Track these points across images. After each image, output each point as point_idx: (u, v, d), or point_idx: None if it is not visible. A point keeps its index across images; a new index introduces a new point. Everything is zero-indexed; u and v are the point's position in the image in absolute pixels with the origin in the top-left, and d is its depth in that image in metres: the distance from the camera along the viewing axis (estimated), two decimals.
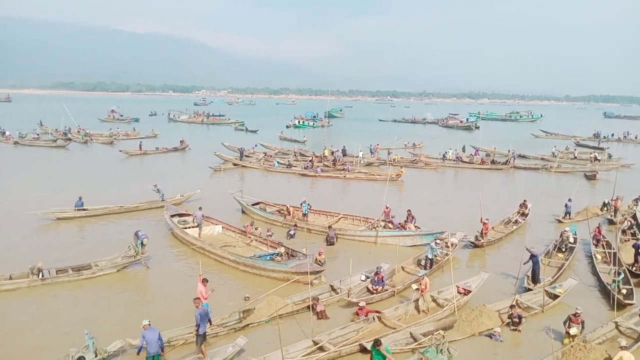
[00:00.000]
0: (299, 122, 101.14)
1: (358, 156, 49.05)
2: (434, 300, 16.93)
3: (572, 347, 13.30)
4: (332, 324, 15.15)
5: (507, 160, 50.30)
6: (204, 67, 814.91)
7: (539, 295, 17.13)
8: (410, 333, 14.36)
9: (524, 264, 18.68)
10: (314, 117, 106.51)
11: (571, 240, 22.59)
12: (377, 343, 11.85)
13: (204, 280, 14.92)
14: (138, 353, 12.12)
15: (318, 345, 13.48)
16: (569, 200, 28.92)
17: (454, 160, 51.34)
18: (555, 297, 17.16)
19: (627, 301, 16.83)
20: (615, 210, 28.27)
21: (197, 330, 12.73)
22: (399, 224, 24.78)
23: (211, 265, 20.05)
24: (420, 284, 16.53)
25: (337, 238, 23.47)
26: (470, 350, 13.89)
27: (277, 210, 28.06)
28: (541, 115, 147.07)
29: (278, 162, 46.59)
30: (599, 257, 21.55)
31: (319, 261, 19.45)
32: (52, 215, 26.28)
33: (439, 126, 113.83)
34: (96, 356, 12.38)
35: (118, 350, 12.98)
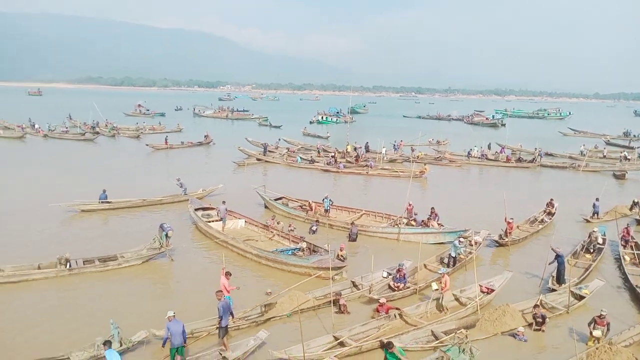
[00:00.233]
0: (322, 117, 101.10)
1: (381, 152, 48.83)
2: (457, 299, 16.79)
3: (597, 349, 13.04)
4: (353, 320, 15.15)
5: (533, 159, 49.44)
6: (229, 63, 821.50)
7: (564, 295, 16.83)
8: (432, 331, 14.26)
9: (549, 264, 18.36)
10: (337, 112, 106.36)
11: (600, 241, 22.08)
12: (389, 345, 11.69)
13: (227, 274, 15.05)
14: (163, 345, 12.25)
15: (339, 341, 13.50)
16: (597, 199, 28.31)
17: (479, 157, 50.70)
18: (580, 298, 16.84)
19: None
20: None
21: (220, 322, 12.88)
22: (422, 221, 24.61)
23: (234, 258, 20.24)
24: (441, 282, 16.40)
25: (357, 234, 23.43)
26: (493, 350, 13.73)
27: (299, 206, 28.16)
28: (569, 113, 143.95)
29: (301, 158, 46.71)
30: (627, 258, 21.01)
31: (341, 257, 19.47)
32: (77, 207, 26.79)
33: (464, 123, 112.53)
34: (121, 345, 12.62)
35: (142, 341, 13.22)
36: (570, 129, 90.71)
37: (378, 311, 15.65)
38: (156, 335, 13.34)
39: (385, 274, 18.32)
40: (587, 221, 27.44)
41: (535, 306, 15.38)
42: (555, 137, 79.91)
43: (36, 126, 65.52)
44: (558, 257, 18.21)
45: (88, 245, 21.25)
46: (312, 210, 26.76)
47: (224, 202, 25.05)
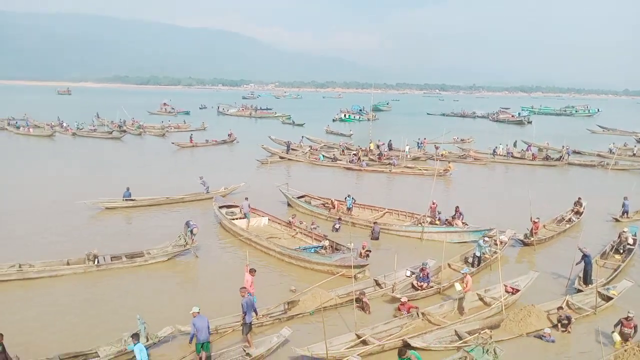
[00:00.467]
0: (345, 115, 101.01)
1: (404, 150, 48.54)
2: (481, 299, 16.64)
3: (625, 351, 12.80)
4: (375, 319, 15.15)
5: (560, 157, 48.53)
6: (253, 61, 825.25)
7: (591, 296, 16.53)
8: (455, 331, 14.18)
9: (576, 264, 18.03)
10: (360, 110, 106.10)
11: (630, 241, 21.53)
12: (402, 353, 11.17)
13: (252, 271, 15.18)
14: (190, 341, 12.34)
15: (361, 339, 13.53)
16: (625, 198, 27.66)
17: (505, 155, 49.98)
18: (608, 299, 16.52)
19: None
20: None
21: (244, 319, 13.01)
22: (446, 220, 24.41)
23: (257, 256, 20.38)
24: (463, 282, 16.25)
25: (379, 233, 23.34)
26: (517, 351, 13.58)
27: (322, 204, 28.22)
28: (598, 110, 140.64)
29: (323, 156, 46.75)
30: None
31: (366, 254, 19.47)
32: (101, 204, 27.30)
33: (490, 120, 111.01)
34: (147, 341, 12.85)
35: (168, 336, 13.45)
36: (599, 126, 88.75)
37: (399, 310, 15.63)
38: (182, 331, 13.54)
39: (408, 273, 18.24)
40: (617, 220, 26.84)
41: (559, 308, 15.14)
42: (583, 134, 78.31)
43: (64, 124, 67.12)
44: (585, 257, 17.87)
45: (112, 242, 21.64)
46: (334, 208, 26.80)
47: (246, 198, 25.33)
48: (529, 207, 23.44)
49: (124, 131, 65.73)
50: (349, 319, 15.04)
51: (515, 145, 55.38)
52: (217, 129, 72.08)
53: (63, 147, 53.40)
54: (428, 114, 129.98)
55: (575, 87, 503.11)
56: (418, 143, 54.78)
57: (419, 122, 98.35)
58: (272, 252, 20.67)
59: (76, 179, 35.50)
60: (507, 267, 19.53)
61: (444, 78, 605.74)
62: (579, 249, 18.18)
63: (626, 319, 13.90)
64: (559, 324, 14.67)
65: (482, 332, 13.15)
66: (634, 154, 52.92)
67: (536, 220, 22.97)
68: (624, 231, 22.00)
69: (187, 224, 20.61)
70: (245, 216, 24.63)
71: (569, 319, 14.65)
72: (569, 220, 26.24)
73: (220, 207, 25.89)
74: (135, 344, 11.39)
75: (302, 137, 58.67)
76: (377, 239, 22.94)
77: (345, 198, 27.05)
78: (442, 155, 48.77)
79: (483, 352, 12.29)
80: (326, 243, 20.61)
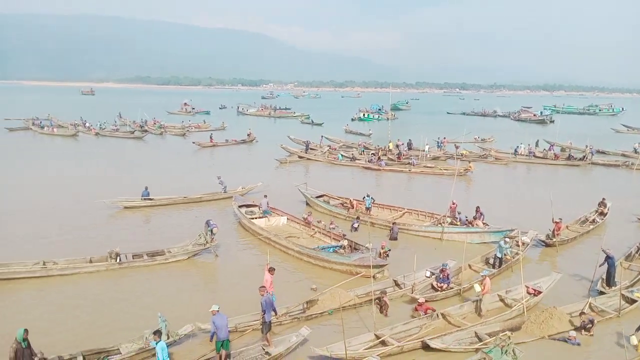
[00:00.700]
0: (364, 115, 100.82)
1: (424, 150, 48.22)
2: (502, 300, 16.45)
3: None
4: (394, 319, 15.10)
5: (584, 156, 47.68)
6: (272, 61, 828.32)
7: (614, 299, 16.23)
8: (475, 332, 14.05)
9: (600, 266, 17.72)
10: (379, 109, 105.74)
11: None
12: None
13: (271, 270, 15.23)
14: (211, 339, 12.46)
15: (380, 340, 13.49)
16: None
17: (527, 155, 49.30)
18: (632, 301, 16.19)
19: None
20: None
21: (263, 317, 13.09)
22: (467, 220, 24.18)
23: (276, 255, 20.48)
24: (481, 284, 16.06)
25: (398, 233, 23.21)
26: (538, 353, 13.41)
27: (341, 203, 28.20)
28: (622, 109, 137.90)
29: (342, 155, 46.71)
30: None
31: (385, 254, 19.41)
32: (120, 203, 27.65)
33: (511, 119, 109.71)
34: (168, 338, 13.01)
35: (189, 334, 13.61)
36: (624, 125, 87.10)
37: (417, 310, 15.55)
38: (202, 329, 13.69)
39: (428, 274, 18.12)
40: None
41: (581, 313, 14.86)
42: (607, 134, 76.89)
43: (87, 124, 68.33)
44: (608, 259, 17.54)
45: (131, 241, 21.91)
46: (353, 208, 26.77)
47: (265, 196, 25.52)
48: (550, 207, 23.08)
49: (146, 131, 66.61)
50: (367, 319, 15.01)
51: (537, 144, 54.62)
52: (236, 128, 72.62)
53: (86, 147, 54.28)
54: (448, 113, 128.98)
55: (599, 85, 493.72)
56: (438, 142, 54.38)
57: (438, 122, 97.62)
58: (290, 251, 20.75)
59: (98, 178, 36.04)
60: (528, 268, 19.23)
61: (465, 77, 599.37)
62: (603, 250, 17.84)
63: None
64: (582, 328, 14.40)
65: (502, 334, 13.01)
66: None
67: (558, 221, 22.61)
68: None
69: (207, 223, 20.81)
70: (264, 214, 24.76)
71: (592, 321, 14.40)
72: (593, 221, 25.78)
73: (240, 206, 26.06)
74: (157, 342, 11.54)
75: (322, 136, 58.74)
76: (395, 239, 22.83)
77: (364, 198, 26.99)
78: (462, 154, 48.34)
79: (502, 353, 12.16)
80: (345, 243, 20.61)
